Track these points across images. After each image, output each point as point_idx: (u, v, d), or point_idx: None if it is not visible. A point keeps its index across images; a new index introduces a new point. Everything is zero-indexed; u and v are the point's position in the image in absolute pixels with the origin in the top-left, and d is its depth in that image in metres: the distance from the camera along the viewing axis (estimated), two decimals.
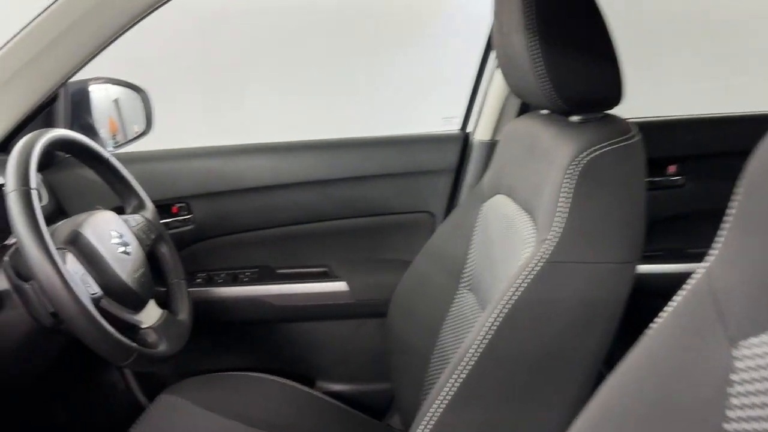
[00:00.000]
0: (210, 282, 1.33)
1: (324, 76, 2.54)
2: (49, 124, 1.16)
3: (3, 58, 0.90)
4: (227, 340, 1.39)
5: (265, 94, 2.55)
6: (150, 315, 0.95)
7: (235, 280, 1.33)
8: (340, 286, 1.31)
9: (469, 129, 1.39)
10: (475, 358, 0.72)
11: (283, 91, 2.55)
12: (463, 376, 0.72)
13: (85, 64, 1.05)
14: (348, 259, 1.39)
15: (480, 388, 0.73)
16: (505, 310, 0.72)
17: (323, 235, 1.39)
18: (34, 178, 0.77)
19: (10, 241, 0.86)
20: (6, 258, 0.81)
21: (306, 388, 1.17)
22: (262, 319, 1.34)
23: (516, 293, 0.71)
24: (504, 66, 0.89)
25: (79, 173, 1.20)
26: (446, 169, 1.36)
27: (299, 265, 1.38)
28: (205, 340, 1.24)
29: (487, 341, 0.72)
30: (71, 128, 1.24)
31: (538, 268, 0.71)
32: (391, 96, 2.54)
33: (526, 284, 0.71)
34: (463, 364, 0.72)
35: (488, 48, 1.34)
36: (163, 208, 1.28)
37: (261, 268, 1.37)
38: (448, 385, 0.73)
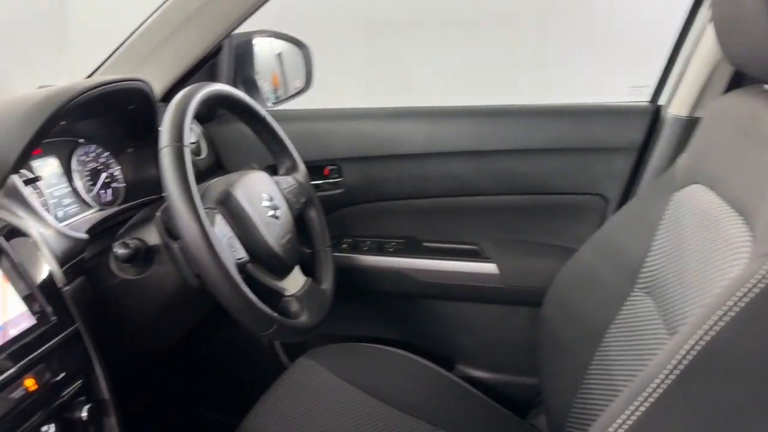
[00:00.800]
0: (355, 249, 1.31)
1: (495, 38, 2.38)
2: (213, 77, 1.17)
3: (166, 11, 0.91)
4: (368, 309, 1.38)
5: (431, 56, 2.46)
6: (294, 282, 0.93)
7: (380, 250, 1.30)
8: (490, 267, 1.22)
9: (661, 101, 1.19)
10: (663, 388, 0.60)
11: (450, 53, 2.44)
12: (645, 406, 0.60)
13: (248, 16, 1.03)
14: (501, 239, 1.29)
15: (665, 426, 0.61)
16: (707, 337, 0.58)
17: (476, 211, 1.30)
18: (188, 134, 0.76)
19: None
20: (158, 213, 0.82)
21: (445, 371, 1.13)
22: (404, 293, 1.30)
23: (724, 318, 0.57)
24: (721, 27, 0.72)
25: (238, 129, 1.21)
26: (628, 147, 1.18)
27: (447, 240, 1.31)
28: (345, 306, 1.22)
29: (680, 370, 0.59)
30: (234, 82, 1.25)
31: (757, 290, 0.56)
32: (568, 59, 2.30)
33: (738, 308, 0.57)
34: (648, 392, 0.60)
35: (697, 3, 1.12)
36: (315, 169, 1.27)
37: (407, 240, 1.32)
38: (625, 414, 0.61)
